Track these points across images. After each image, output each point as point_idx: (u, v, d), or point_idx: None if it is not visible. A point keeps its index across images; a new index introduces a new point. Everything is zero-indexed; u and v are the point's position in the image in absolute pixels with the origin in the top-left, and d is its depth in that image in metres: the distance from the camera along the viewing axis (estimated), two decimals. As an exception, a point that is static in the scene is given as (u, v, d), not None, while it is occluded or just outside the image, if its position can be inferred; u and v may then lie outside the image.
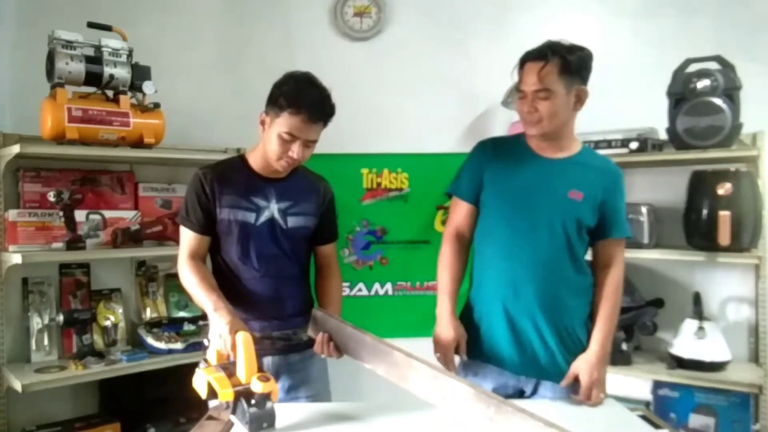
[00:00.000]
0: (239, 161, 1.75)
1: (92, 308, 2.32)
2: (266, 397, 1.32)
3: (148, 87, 2.20)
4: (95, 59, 2.12)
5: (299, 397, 1.72)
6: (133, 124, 2.18)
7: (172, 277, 2.56)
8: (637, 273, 2.48)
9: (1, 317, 2.15)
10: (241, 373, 1.34)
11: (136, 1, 2.52)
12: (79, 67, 2.06)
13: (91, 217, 2.26)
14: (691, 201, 2.28)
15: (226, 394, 1.31)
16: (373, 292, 2.75)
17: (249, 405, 1.30)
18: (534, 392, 1.66)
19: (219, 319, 1.46)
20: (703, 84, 2.19)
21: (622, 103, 2.37)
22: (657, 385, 2.40)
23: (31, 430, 2.19)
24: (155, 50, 2.35)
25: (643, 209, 2.35)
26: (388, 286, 2.75)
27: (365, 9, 2.77)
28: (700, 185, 2.26)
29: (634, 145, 2.36)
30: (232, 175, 1.70)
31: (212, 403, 1.43)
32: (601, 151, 1.96)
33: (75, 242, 2.13)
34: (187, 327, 2.40)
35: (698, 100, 2.20)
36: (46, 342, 2.24)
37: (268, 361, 1.69)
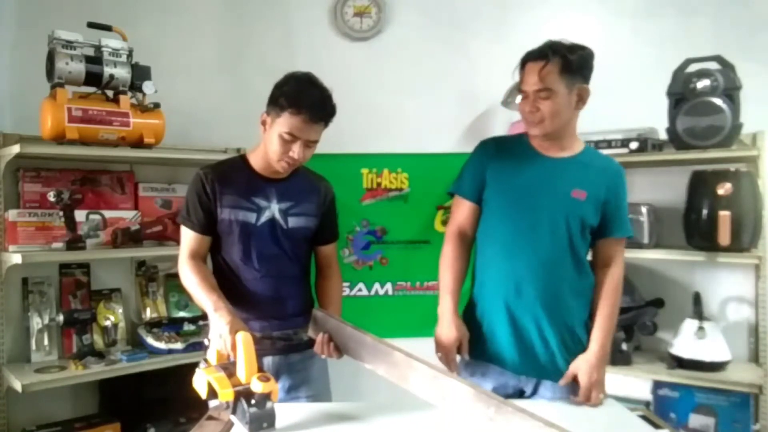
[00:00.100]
0: (240, 161, 1.75)
1: (92, 308, 2.32)
2: (266, 397, 1.32)
3: (148, 87, 2.20)
4: (95, 59, 2.12)
5: (299, 397, 1.72)
6: (133, 124, 2.18)
7: (172, 277, 2.56)
8: (637, 273, 2.48)
9: (1, 317, 2.15)
10: (241, 373, 1.34)
11: (136, 1, 2.52)
12: (79, 67, 2.06)
13: (91, 217, 2.26)
14: (691, 201, 2.28)
15: (226, 394, 1.30)
16: (373, 292, 2.75)
17: (249, 405, 1.30)
18: (534, 392, 1.66)
19: (219, 319, 1.46)
20: (703, 84, 2.19)
21: (622, 103, 2.37)
22: (657, 385, 2.41)
23: (31, 430, 2.19)
24: (155, 50, 2.35)
25: (643, 209, 2.35)
26: (388, 286, 2.75)
27: (365, 9, 2.77)
28: (700, 185, 2.26)
29: (634, 145, 2.36)
30: (233, 175, 1.70)
31: (212, 403, 1.42)
32: (601, 151, 1.95)
33: (75, 242, 2.13)
34: (187, 327, 2.40)
35: (698, 100, 2.20)
36: (46, 342, 2.24)
37: (268, 361, 1.69)
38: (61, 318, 2.18)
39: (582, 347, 1.62)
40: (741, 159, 2.25)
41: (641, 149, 2.35)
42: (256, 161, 1.72)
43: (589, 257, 1.71)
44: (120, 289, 2.47)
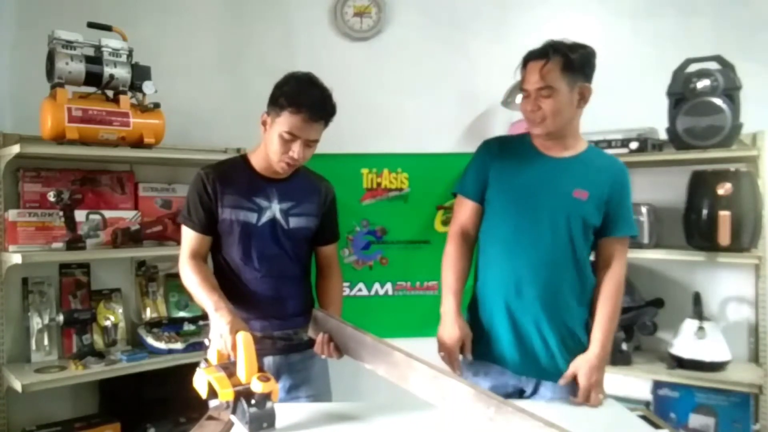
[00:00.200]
0: (241, 161, 1.75)
1: (92, 308, 2.32)
2: (266, 397, 1.32)
3: (148, 87, 2.20)
4: (95, 59, 2.12)
5: (300, 397, 1.72)
6: (133, 124, 2.18)
7: (172, 277, 2.56)
8: (637, 273, 2.48)
9: (1, 317, 2.15)
10: (242, 373, 1.34)
11: (136, 1, 2.52)
12: (79, 67, 2.06)
13: (91, 217, 2.26)
14: (691, 201, 2.28)
15: (226, 394, 1.31)
16: (373, 292, 2.75)
17: (249, 405, 1.30)
18: (534, 392, 1.66)
19: (220, 319, 1.46)
20: (703, 84, 2.19)
21: (622, 103, 2.37)
22: (657, 385, 2.41)
23: (31, 430, 2.19)
24: (155, 50, 2.35)
25: (643, 209, 2.35)
26: (388, 286, 2.75)
27: (365, 9, 2.77)
28: (700, 185, 2.26)
29: (634, 145, 2.36)
30: (234, 175, 1.70)
31: (212, 403, 1.42)
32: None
33: (75, 242, 2.13)
34: (187, 327, 2.40)
35: (698, 100, 2.20)
36: (46, 342, 2.24)
37: (269, 360, 1.69)
38: (61, 318, 2.18)
39: (582, 348, 1.62)
40: (741, 159, 2.25)
41: (641, 149, 2.35)
42: (257, 161, 1.72)
43: (592, 258, 1.70)
44: (120, 289, 2.47)
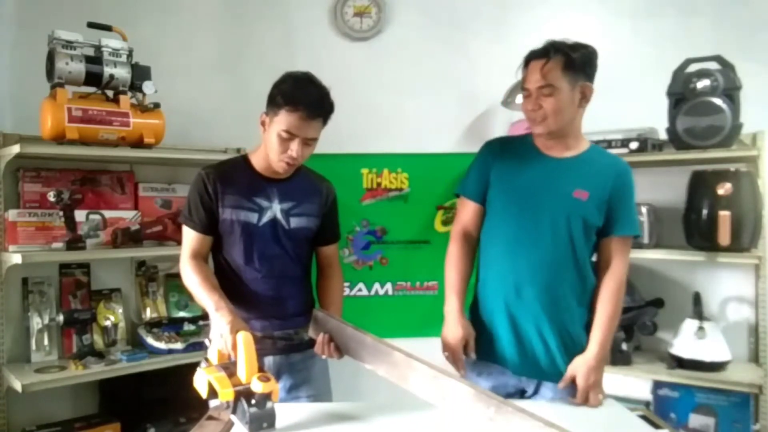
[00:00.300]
0: (242, 161, 1.75)
1: (92, 308, 2.32)
2: (266, 397, 1.32)
3: (148, 87, 2.20)
4: (95, 59, 2.12)
5: (300, 397, 1.72)
6: (133, 124, 2.18)
7: (172, 277, 2.56)
8: (637, 273, 2.48)
9: (1, 317, 2.15)
10: (242, 373, 1.34)
11: (136, 1, 2.52)
12: (79, 67, 2.06)
13: (91, 217, 2.26)
14: (691, 201, 2.28)
15: (226, 394, 1.31)
16: (373, 292, 2.75)
17: (249, 405, 1.30)
18: (536, 392, 1.66)
19: (220, 319, 1.46)
20: (703, 84, 2.19)
21: (622, 103, 2.37)
22: (657, 385, 2.41)
23: (31, 430, 2.19)
24: (155, 50, 2.35)
25: (643, 209, 2.35)
26: (388, 286, 2.75)
27: (365, 9, 2.77)
28: (700, 185, 2.26)
29: (634, 145, 2.36)
30: (235, 176, 1.70)
31: (213, 403, 1.42)
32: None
33: (75, 242, 2.13)
34: (187, 327, 2.40)
35: (698, 100, 2.20)
36: (46, 342, 2.24)
37: (269, 360, 1.69)
38: (61, 318, 2.18)
39: (582, 349, 1.61)
40: (741, 159, 2.25)
41: (641, 149, 2.35)
42: (257, 161, 1.72)
43: (594, 258, 1.70)
44: (120, 289, 2.47)
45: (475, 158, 1.77)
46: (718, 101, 2.17)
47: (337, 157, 2.51)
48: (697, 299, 2.32)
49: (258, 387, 1.29)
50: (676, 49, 2.33)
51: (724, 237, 2.16)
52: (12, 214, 2.14)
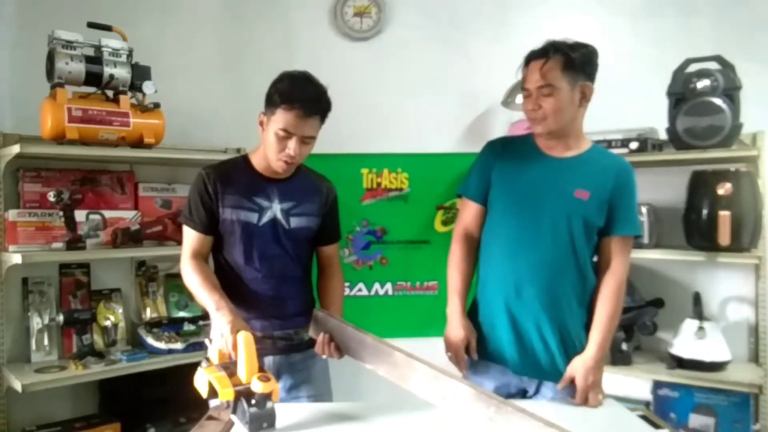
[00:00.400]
0: (242, 161, 1.75)
1: (92, 308, 2.32)
2: (267, 397, 1.32)
3: (148, 87, 2.20)
4: (95, 59, 2.12)
5: (300, 397, 1.72)
6: (133, 124, 2.18)
7: (172, 277, 2.56)
8: (637, 273, 2.48)
9: (1, 317, 2.15)
10: (242, 373, 1.34)
11: (136, 1, 2.52)
12: (79, 67, 2.06)
13: (91, 217, 2.26)
14: (691, 201, 2.28)
15: (226, 394, 1.30)
16: (373, 292, 2.75)
17: (249, 405, 1.30)
18: (536, 392, 1.66)
19: (221, 319, 1.46)
20: (703, 84, 2.19)
21: (622, 103, 2.37)
22: (657, 385, 2.41)
23: (31, 430, 2.19)
24: (155, 50, 2.35)
25: (643, 209, 2.35)
26: (388, 286, 2.75)
27: (365, 9, 2.77)
28: (700, 185, 2.26)
29: (634, 145, 2.36)
30: (235, 175, 1.70)
31: (213, 403, 1.42)
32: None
33: (75, 242, 2.13)
34: (187, 327, 2.40)
35: (698, 100, 2.20)
36: (46, 342, 2.23)
37: (269, 360, 1.69)
38: (61, 318, 2.18)
39: (583, 349, 1.61)
40: (741, 159, 2.25)
41: (641, 149, 2.35)
42: (257, 161, 1.72)
43: (596, 259, 1.70)
44: (120, 289, 2.47)
45: (477, 158, 1.77)
46: (718, 101, 2.17)
47: (337, 157, 2.51)
48: (697, 299, 2.32)
49: (258, 387, 1.29)
50: (676, 49, 2.34)
51: (724, 237, 2.16)
52: (12, 214, 2.14)
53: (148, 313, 2.48)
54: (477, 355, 1.68)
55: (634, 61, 2.54)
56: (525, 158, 1.68)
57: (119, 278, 2.49)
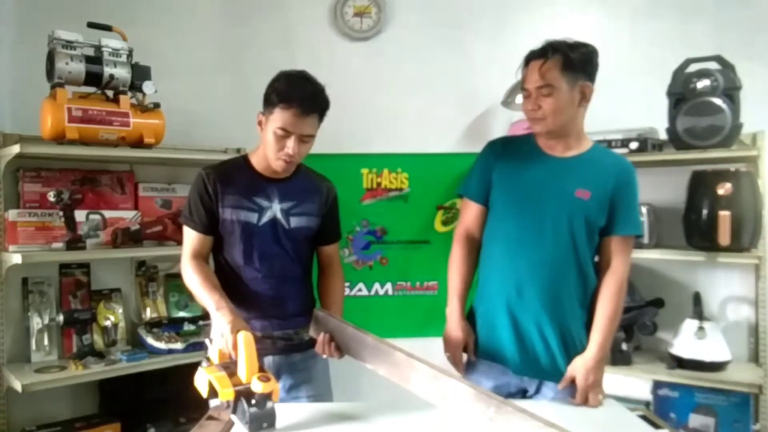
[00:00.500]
0: (242, 161, 1.75)
1: (92, 308, 2.32)
2: (267, 396, 1.32)
3: (148, 87, 2.20)
4: (95, 59, 2.11)
5: (300, 397, 1.72)
6: (133, 124, 2.18)
7: (172, 277, 2.56)
8: (637, 273, 2.48)
9: (1, 317, 2.15)
10: (242, 373, 1.34)
11: (136, 1, 2.52)
12: (79, 67, 2.06)
13: (91, 217, 2.26)
14: (691, 201, 2.28)
15: (226, 394, 1.31)
16: (373, 292, 2.75)
17: (249, 405, 1.30)
18: (537, 392, 1.66)
19: (221, 318, 1.46)
20: (703, 84, 2.19)
21: (622, 103, 2.37)
22: (657, 385, 2.41)
23: (31, 430, 2.19)
24: (155, 50, 2.35)
25: (644, 209, 2.35)
26: (388, 286, 2.75)
27: (365, 9, 2.77)
28: (700, 185, 2.26)
29: (634, 145, 2.36)
30: (235, 175, 1.70)
31: (213, 403, 1.42)
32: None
33: (75, 242, 2.13)
34: (187, 327, 2.40)
35: (698, 100, 2.20)
36: (46, 342, 2.23)
37: (269, 360, 1.69)
38: (61, 318, 2.18)
39: (584, 349, 1.61)
40: (741, 159, 2.25)
41: (641, 149, 2.35)
42: (257, 161, 1.72)
43: (596, 258, 1.70)
44: (120, 289, 2.47)
45: (477, 159, 1.77)
46: (718, 101, 2.17)
47: (337, 157, 2.51)
48: (697, 299, 2.32)
49: (258, 387, 1.29)
50: (676, 49, 2.34)
51: (724, 237, 2.16)
52: (12, 214, 2.14)
53: (148, 313, 2.48)
54: (475, 356, 1.69)
55: (634, 61, 2.54)
56: (526, 158, 1.68)
57: (119, 278, 2.49)
